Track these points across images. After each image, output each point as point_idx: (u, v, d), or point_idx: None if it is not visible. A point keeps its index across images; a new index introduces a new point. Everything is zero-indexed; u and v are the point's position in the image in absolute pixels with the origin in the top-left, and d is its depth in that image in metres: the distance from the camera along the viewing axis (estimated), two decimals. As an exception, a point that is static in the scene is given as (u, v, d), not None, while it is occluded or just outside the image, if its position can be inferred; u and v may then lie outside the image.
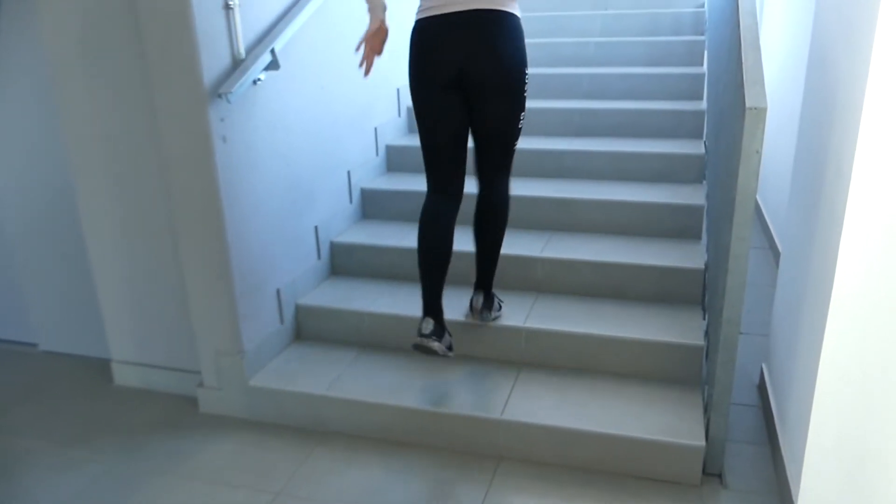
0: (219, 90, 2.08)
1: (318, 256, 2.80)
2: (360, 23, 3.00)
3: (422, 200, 2.99)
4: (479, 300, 2.39)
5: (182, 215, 2.22)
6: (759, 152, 1.69)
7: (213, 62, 2.09)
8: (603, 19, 4.09)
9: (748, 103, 1.65)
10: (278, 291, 2.52)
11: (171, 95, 2.09)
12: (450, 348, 2.16)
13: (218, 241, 2.21)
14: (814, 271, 1.79)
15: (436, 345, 2.08)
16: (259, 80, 2.28)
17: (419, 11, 2.07)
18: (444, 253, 2.16)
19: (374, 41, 2.13)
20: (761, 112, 1.65)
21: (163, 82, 2.08)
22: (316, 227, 2.76)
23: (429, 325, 2.10)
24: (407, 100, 3.60)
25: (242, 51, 2.19)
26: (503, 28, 2.00)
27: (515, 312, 2.48)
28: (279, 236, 2.51)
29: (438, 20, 2.01)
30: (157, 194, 2.33)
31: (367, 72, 2.13)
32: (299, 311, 2.63)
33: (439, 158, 2.16)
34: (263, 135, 2.36)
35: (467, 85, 2.07)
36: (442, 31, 2.01)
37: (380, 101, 3.29)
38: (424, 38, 2.04)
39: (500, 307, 2.48)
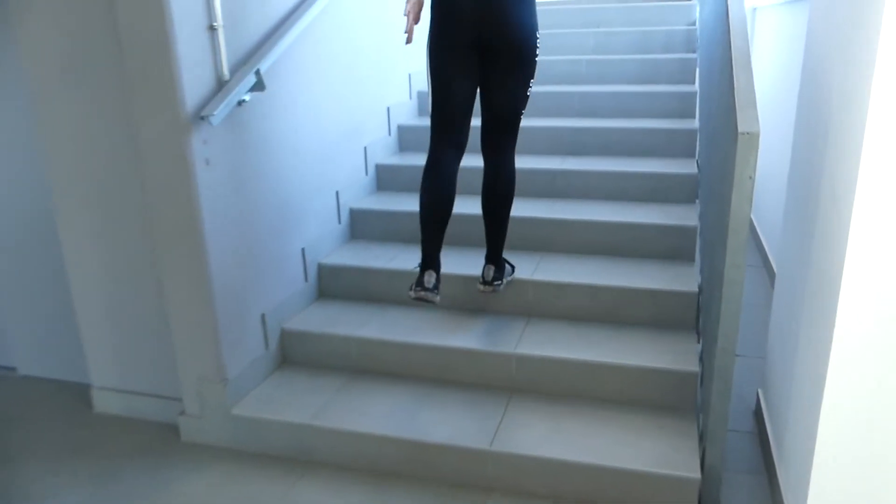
0: (201, 112, 2.03)
1: (306, 279, 2.75)
2: (350, 42, 2.97)
3: (411, 221, 2.96)
4: (490, 272, 2.46)
5: (163, 239, 2.17)
6: (752, 178, 1.65)
7: (195, 84, 2.04)
8: (595, 37, 4.07)
9: (741, 128, 1.62)
10: (263, 316, 2.46)
11: (151, 119, 2.04)
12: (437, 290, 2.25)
13: (199, 266, 2.16)
14: (813, 295, 1.74)
15: (437, 298, 2.20)
16: (244, 101, 2.24)
17: None
18: (446, 201, 2.26)
19: (415, 10, 2.25)
20: (754, 137, 1.61)
21: (143, 105, 2.04)
22: (303, 249, 2.71)
23: (431, 279, 2.21)
24: (398, 118, 3.56)
25: (227, 72, 2.15)
26: None
27: (506, 337, 2.42)
28: (265, 260, 2.46)
29: None
30: (138, 218, 2.28)
31: (408, 40, 2.26)
32: (285, 335, 2.57)
33: (450, 113, 2.27)
34: (249, 157, 2.31)
35: (483, 47, 2.20)
36: None
37: (370, 120, 3.26)
38: (446, 3, 2.18)
39: (513, 270, 2.60)
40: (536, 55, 2.27)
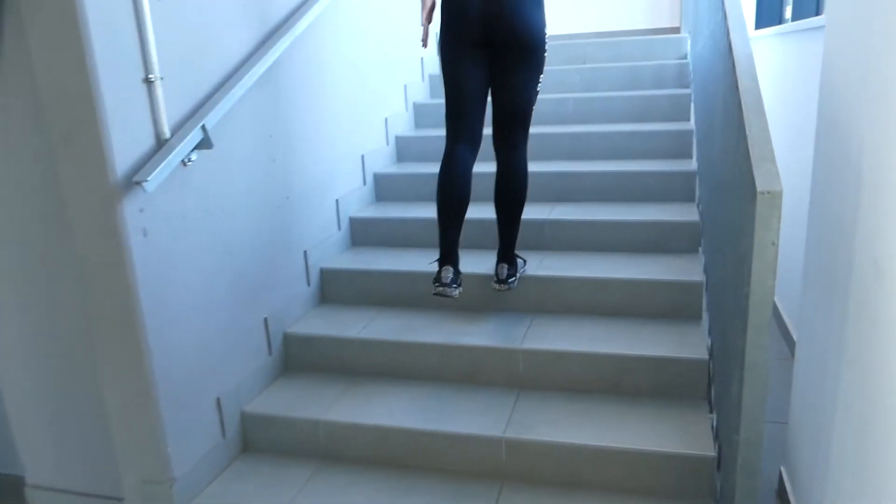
0: (134, 177, 1.77)
1: (269, 352, 2.46)
2: (318, 88, 2.73)
3: (388, 280, 2.70)
4: (504, 270, 2.46)
5: (97, 321, 1.89)
6: (775, 244, 1.39)
7: (128, 145, 1.78)
8: (581, 73, 3.86)
9: (759, 186, 1.36)
10: (219, 401, 2.17)
11: (77, 186, 1.78)
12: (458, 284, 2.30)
13: (137, 350, 1.87)
14: (850, 370, 1.47)
15: (456, 292, 2.24)
16: (190, 160, 1.98)
17: None
18: (462, 195, 2.30)
19: (427, 10, 2.35)
20: (776, 197, 1.36)
21: (68, 171, 1.77)
22: (266, 319, 2.43)
23: (448, 274, 2.24)
24: (373, 166, 3.31)
25: (167, 129, 1.89)
26: None
27: (494, 418, 2.14)
28: (221, 336, 2.18)
29: None
30: (71, 298, 1.99)
31: (424, 44, 2.35)
32: (245, 420, 2.28)
33: (463, 109, 2.32)
34: (197, 223, 2.05)
35: (493, 43, 2.26)
36: None
37: (342, 170, 3.01)
38: (454, 2, 2.26)
39: (524, 264, 2.62)
40: (545, 51, 2.32)
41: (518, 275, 2.53)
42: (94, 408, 2.07)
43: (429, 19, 2.36)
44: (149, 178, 1.75)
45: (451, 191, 2.29)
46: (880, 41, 1.37)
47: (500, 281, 2.44)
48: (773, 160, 1.43)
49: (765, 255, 1.40)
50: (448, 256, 2.29)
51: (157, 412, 1.92)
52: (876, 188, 1.34)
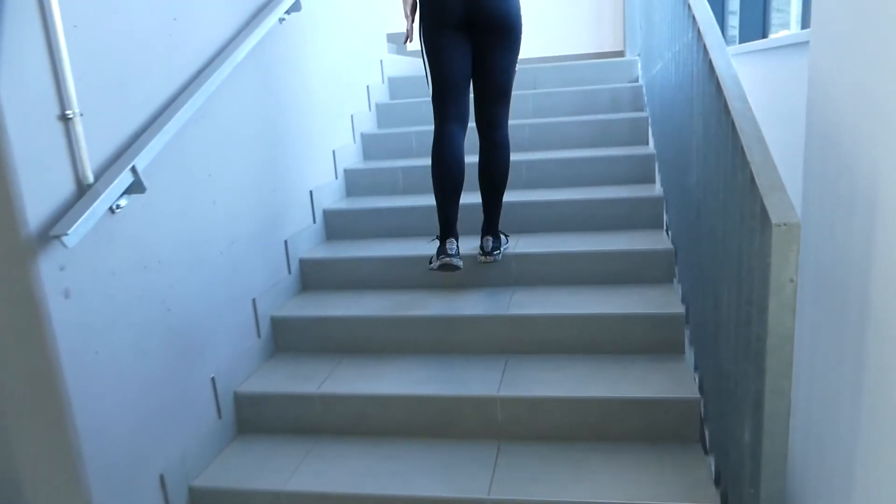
0: (51, 231, 1.52)
1: (219, 415, 2.20)
2: (263, 119, 2.51)
3: (346, 327, 2.49)
4: (489, 243, 2.55)
5: (9, 402, 1.61)
6: (793, 280, 1.25)
7: (44, 192, 1.53)
8: (535, 98, 3.75)
9: (774, 218, 1.22)
10: (162, 477, 1.90)
11: (-17, 242, 1.51)
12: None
13: (61, 433, 1.60)
14: (858, 407, 1.34)
15: (460, 263, 2.40)
16: (119, 207, 1.74)
17: None
18: (456, 170, 2.42)
19: (412, 8, 2.52)
20: (793, 229, 1.22)
21: (-29, 225, 1.51)
22: (213, 379, 2.17)
23: (453, 245, 2.41)
24: (322, 202, 3.10)
25: (90, 173, 1.65)
26: None
27: (474, 479, 1.93)
28: (162, 402, 1.91)
29: None
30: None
31: (409, 38, 2.62)
32: (194, 495, 2.01)
33: (450, 91, 2.42)
34: (130, 278, 1.80)
35: (475, 25, 2.38)
36: None
37: (290, 209, 2.78)
38: None
39: (507, 239, 2.73)
40: (521, 37, 2.46)
41: (503, 249, 2.63)
42: (14, 497, 1.77)
43: (413, 11, 2.50)
44: (69, 231, 1.50)
45: (445, 170, 2.40)
46: (873, 55, 1.26)
47: (485, 253, 2.53)
48: (783, 188, 1.29)
49: (782, 292, 1.26)
50: (449, 231, 2.44)
51: (87, 496, 1.64)
52: (890, 216, 1.22)
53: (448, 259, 2.37)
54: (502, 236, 2.68)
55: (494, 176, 2.54)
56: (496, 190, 2.57)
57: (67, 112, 1.58)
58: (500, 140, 2.53)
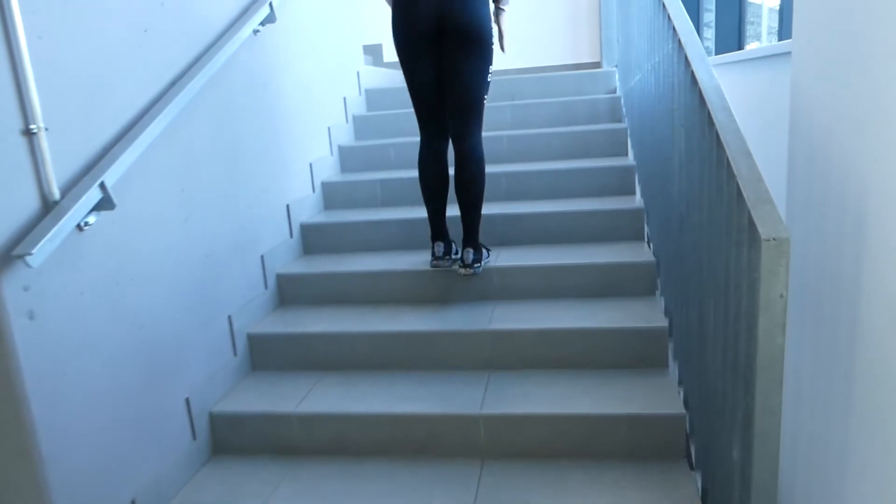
0: (14, 250, 1.45)
1: (194, 437, 2.13)
2: (238, 131, 2.46)
3: (324, 343, 2.44)
4: (470, 255, 2.54)
5: (-29, 428, 1.53)
6: (783, 296, 1.23)
7: (6, 210, 1.47)
8: (513, 110, 3.74)
9: (764, 232, 1.20)
10: (134, 502, 1.83)
11: (-59, 263, 1.44)
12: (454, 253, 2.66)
13: (24, 456, 1.52)
14: (847, 424, 1.32)
15: (447, 264, 2.59)
16: (87, 224, 1.67)
17: None
18: (441, 178, 2.57)
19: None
20: (783, 244, 1.20)
21: (-72, 245, 1.44)
22: (187, 400, 2.10)
23: (440, 248, 2.58)
24: (299, 216, 3.04)
25: (56, 189, 1.58)
26: None
27: (457, 500, 1.88)
28: (134, 425, 1.84)
29: None
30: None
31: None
32: (166, 523, 1.94)
33: (423, 99, 2.50)
34: (99, 297, 1.73)
35: (442, 34, 2.38)
36: None
37: (267, 224, 2.72)
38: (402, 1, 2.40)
39: (488, 253, 2.71)
40: (492, 42, 2.45)
41: (484, 262, 2.62)
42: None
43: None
44: (33, 251, 1.43)
45: (429, 174, 2.55)
46: (855, 66, 1.25)
47: (465, 266, 2.52)
48: (771, 201, 1.28)
49: (772, 309, 1.23)
50: (437, 234, 2.60)
51: (52, 534, 1.56)
52: (884, 234, 1.21)
53: (435, 262, 2.57)
54: (483, 250, 2.64)
55: (468, 186, 2.50)
56: (472, 201, 2.53)
57: (31, 126, 1.51)
58: (470, 151, 2.48)
